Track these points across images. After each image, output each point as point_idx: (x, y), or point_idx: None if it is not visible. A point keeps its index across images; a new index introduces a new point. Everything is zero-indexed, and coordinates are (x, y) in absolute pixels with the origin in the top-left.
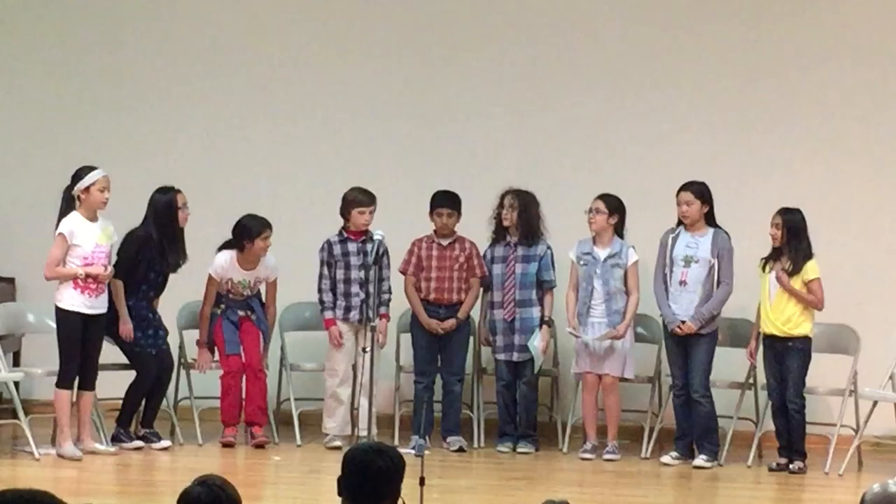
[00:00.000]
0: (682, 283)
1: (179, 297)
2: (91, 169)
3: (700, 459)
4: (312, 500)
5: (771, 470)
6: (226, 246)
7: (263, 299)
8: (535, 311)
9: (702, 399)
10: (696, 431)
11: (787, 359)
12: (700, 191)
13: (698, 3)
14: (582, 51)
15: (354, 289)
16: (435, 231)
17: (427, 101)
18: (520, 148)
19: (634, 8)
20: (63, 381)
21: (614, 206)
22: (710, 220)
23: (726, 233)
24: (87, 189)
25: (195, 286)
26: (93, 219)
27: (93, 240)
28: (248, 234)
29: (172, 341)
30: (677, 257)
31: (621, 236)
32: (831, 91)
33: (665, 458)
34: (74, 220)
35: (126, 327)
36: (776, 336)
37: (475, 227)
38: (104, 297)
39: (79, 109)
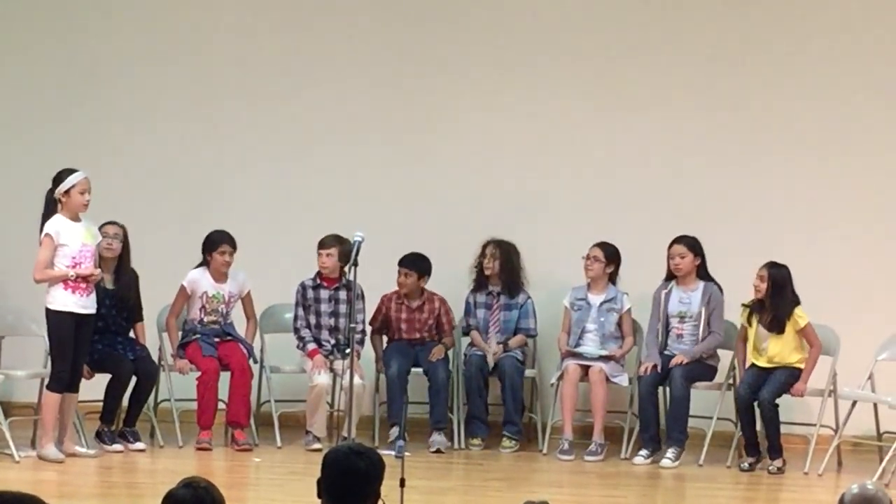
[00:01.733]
0: (679, 336)
1: (161, 300)
2: (71, 172)
3: (668, 457)
4: (293, 502)
5: (742, 470)
6: (200, 265)
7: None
8: (517, 355)
9: (680, 385)
10: (667, 419)
11: (775, 371)
12: (692, 244)
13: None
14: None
15: (324, 335)
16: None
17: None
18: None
19: (634, 51)
20: (55, 384)
21: (611, 255)
22: (701, 272)
23: (718, 285)
24: (67, 192)
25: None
26: (76, 220)
27: (79, 239)
28: (210, 247)
29: (153, 344)
30: (672, 313)
31: (614, 283)
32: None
33: (636, 459)
34: (59, 221)
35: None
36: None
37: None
38: (93, 297)
39: (58, 109)
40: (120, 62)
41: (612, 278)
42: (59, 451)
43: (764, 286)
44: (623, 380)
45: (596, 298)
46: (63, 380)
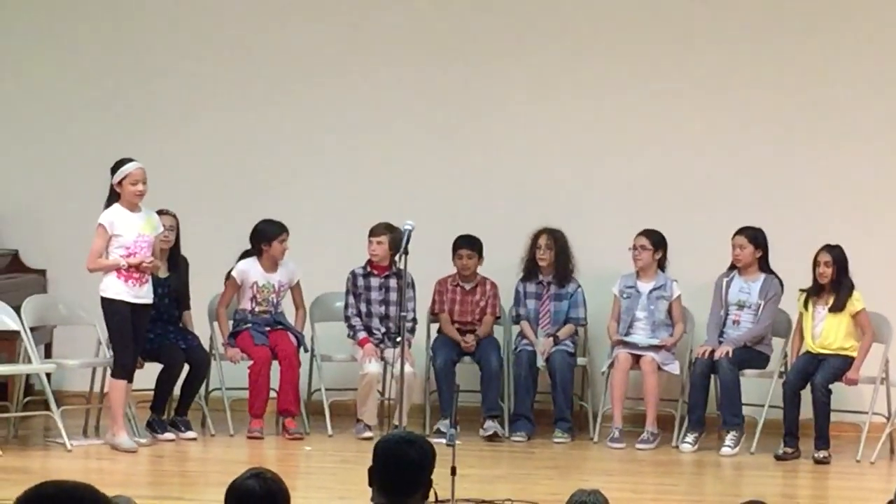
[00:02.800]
0: (736, 322)
1: (209, 289)
2: (126, 161)
3: (727, 444)
4: (344, 491)
5: (778, 458)
6: (246, 255)
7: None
8: (568, 346)
9: (727, 369)
10: (721, 405)
11: (828, 357)
12: (754, 236)
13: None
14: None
15: (375, 323)
16: (458, 273)
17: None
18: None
19: (697, 50)
20: (118, 371)
21: (658, 241)
22: (763, 264)
23: (779, 278)
24: (120, 182)
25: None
26: (134, 210)
27: (135, 230)
28: (266, 238)
29: (204, 332)
30: (731, 301)
31: (663, 270)
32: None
33: (683, 446)
34: (114, 211)
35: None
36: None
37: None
38: (149, 287)
39: (106, 100)
40: (168, 52)
41: (661, 265)
42: (133, 440)
43: (829, 270)
44: (674, 367)
45: (645, 286)
46: (126, 367)
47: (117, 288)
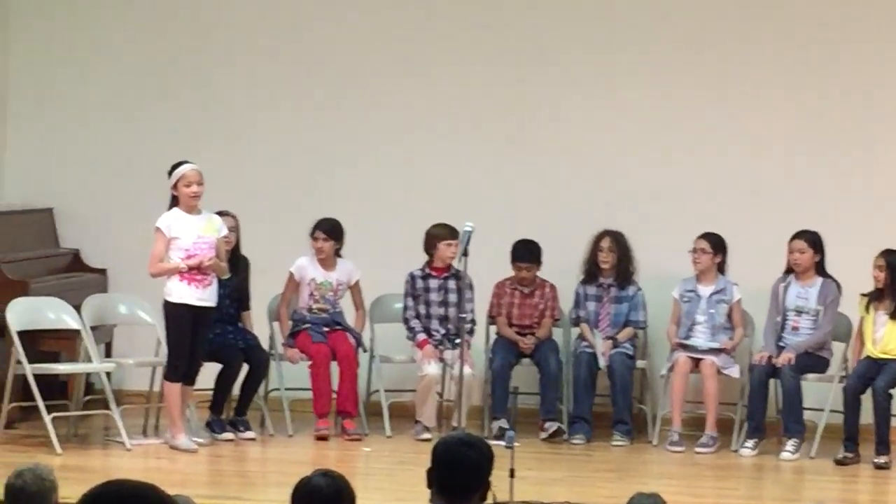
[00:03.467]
0: (795, 329)
1: (269, 289)
2: (180, 164)
3: (787, 449)
4: (402, 492)
5: (837, 463)
6: None
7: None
8: (627, 349)
9: (789, 377)
10: (783, 412)
11: (889, 362)
12: (813, 240)
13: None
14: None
15: (434, 324)
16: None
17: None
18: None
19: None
20: (171, 374)
21: (717, 245)
22: (820, 268)
23: (836, 281)
24: (175, 185)
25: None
26: (192, 212)
27: (194, 232)
28: (311, 233)
29: (263, 333)
30: (789, 307)
31: (723, 273)
32: None
33: (742, 451)
34: (172, 214)
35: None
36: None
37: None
38: (213, 289)
39: (167, 101)
40: (227, 55)
41: (721, 268)
42: (191, 440)
43: (882, 275)
44: (734, 371)
45: (705, 290)
46: (179, 370)
47: (181, 291)
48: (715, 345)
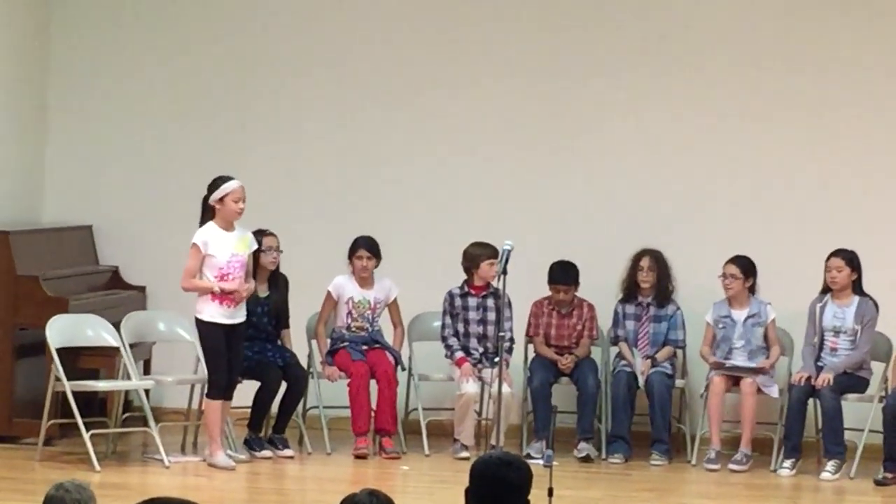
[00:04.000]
0: (833, 350)
1: (309, 307)
2: (227, 179)
3: (827, 469)
4: None
5: (876, 483)
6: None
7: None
8: (666, 368)
9: (829, 398)
10: (823, 433)
11: None
12: (850, 258)
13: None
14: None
15: (473, 343)
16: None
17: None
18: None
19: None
20: (212, 392)
21: (747, 268)
22: (857, 287)
23: (874, 300)
24: (221, 199)
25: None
26: (228, 228)
27: (228, 249)
28: (350, 253)
29: (302, 351)
30: (826, 327)
31: (754, 294)
32: None
33: (781, 471)
34: (209, 230)
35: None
36: None
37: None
38: (242, 305)
39: (204, 117)
40: (265, 72)
41: (752, 290)
42: (229, 458)
43: None
44: (773, 391)
45: (740, 314)
46: (221, 387)
47: (211, 311)
48: (753, 364)
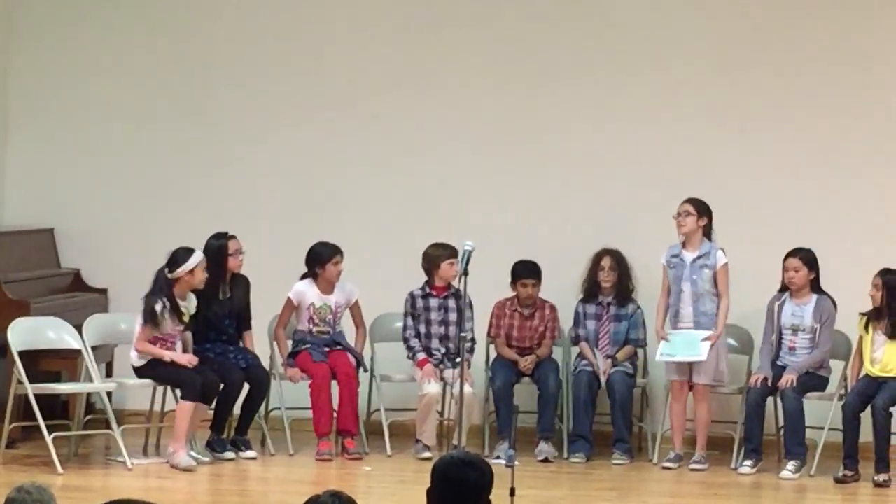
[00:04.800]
0: (792, 349)
1: (271, 310)
2: (191, 252)
3: (788, 469)
4: None
5: (837, 481)
6: (305, 277)
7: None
8: (627, 368)
9: (792, 399)
10: (784, 433)
11: (888, 381)
12: (807, 258)
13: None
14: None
15: (434, 343)
16: (518, 299)
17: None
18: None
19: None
20: (185, 394)
21: (703, 209)
22: (815, 285)
23: (832, 299)
24: (191, 272)
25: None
26: (183, 298)
27: (178, 320)
28: (320, 260)
29: (264, 352)
30: (784, 325)
31: (710, 239)
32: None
33: (742, 469)
34: (163, 304)
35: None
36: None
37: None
38: (178, 344)
39: (172, 125)
40: (227, 75)
41: (707, 233)
42: (192, 458)
43: (879, 294)
44: (723, 378)
45: (690, 255)
46: (194, 389)
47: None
48: (696, 356)
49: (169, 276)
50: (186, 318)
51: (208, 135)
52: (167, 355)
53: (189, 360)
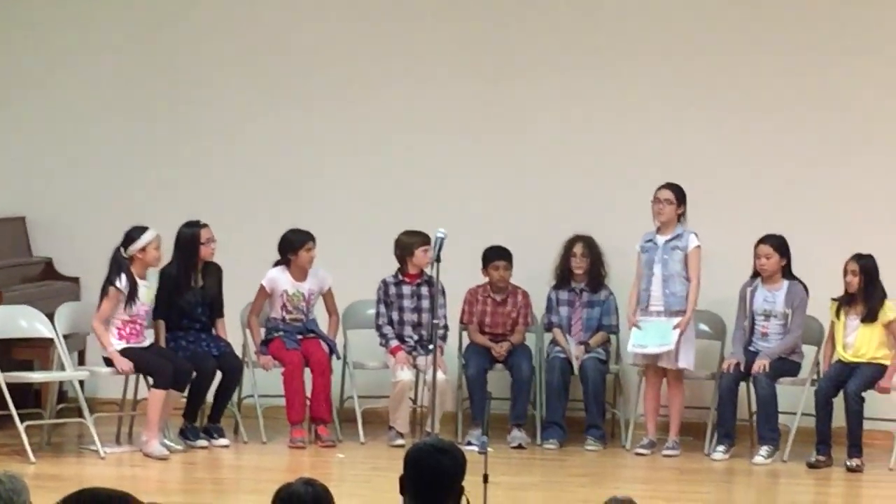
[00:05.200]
0: (764, 334)
1: (244, 297)
2: (144, 230)
3: (760, 454)
4: (377, 498)
5: (810, 466)
6: (279, 264)
7: (326, 311)
8: (600, 354)
9: (765, 384)
10: (757, 419)
11: (860, 366)
12: (778, 244)
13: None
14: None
15: (407, 331)
16: (490, 284)
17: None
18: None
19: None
20: (157, 382)
21: (681, 196)
22: (786, 271)
23: (803, 284)
24: (143, 249)
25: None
26: (143, 276)
27: (142, 297)
28: (292, 247)
29: (236, 340)
30: (757, 311)
31: (683, 222)
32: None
33: (714, 455)
34: (126, 279)
35: (120, 362)
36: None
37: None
38: (145, 332)
39: (142, 113)
40: (200, 64)
41: (680, 219)
42: (165, 447)
43: (857, 280)
44: (690, 363)
45: (663, 238)
46: (165, 377)
47: (118, 346)
48: (667, 346)
49: (123, 254)
50: (148, 298)
51: (180, 123)
52: (109, 350)
53: (122, 366)
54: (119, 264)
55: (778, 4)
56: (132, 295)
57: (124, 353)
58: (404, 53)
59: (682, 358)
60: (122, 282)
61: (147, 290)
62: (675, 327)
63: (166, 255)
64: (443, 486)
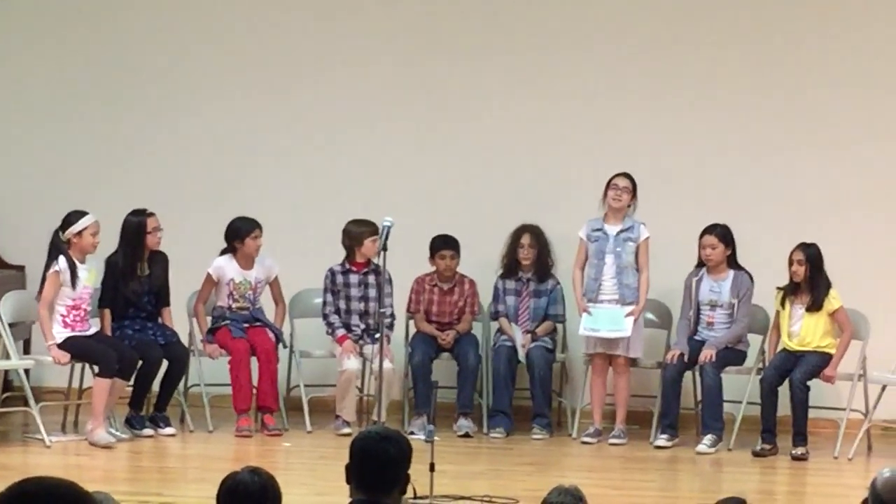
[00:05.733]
0: (710, 324)
1: (190, 286)
2: (82, 214)
3: (704, 443)
4: (323, 486)
5: (755, 455)
6: (226, 252)
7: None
8: (547, 343)
9: (711, 374)
10: (702, 408)
11: (805, 354)
12: (723, 234)
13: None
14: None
15: (354, 320)
16: (437, 273)
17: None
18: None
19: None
20: (101, 371)
21: (635, 187)
22: (731, 261)
23: (748, 273)
24: (79, 233)
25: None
26: (82, 261)
27: (81, 281)
28: (238, 235)
29: (183, 329)
30: (702, 301)
31: (631, 212)
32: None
33: (658, 442)
34: (66, 261)
35: (57, 355)
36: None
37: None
38: (90, 320)
39: (90, 101)
40: (147, 52)
41: (629, 210)
42: (110, 435)
43: (802, 269)
44: (639, 352)
45: (613, 229)
46: (111, 365)
47: (62, 335)
48: (620, 332)
49: (61, 237)
50: (90, 281)
51: (125, 113)
52: (47, 343)
53: (60, 359)
54: (57, 247)
55: None
56: (73, 276)
57: (69, 341)
58: (349, 42)
59: (633, 347)
60: (60, 264)
61: (88, 274)
62: (627, 315)
63: (111, 243)
64: (388, 474)
